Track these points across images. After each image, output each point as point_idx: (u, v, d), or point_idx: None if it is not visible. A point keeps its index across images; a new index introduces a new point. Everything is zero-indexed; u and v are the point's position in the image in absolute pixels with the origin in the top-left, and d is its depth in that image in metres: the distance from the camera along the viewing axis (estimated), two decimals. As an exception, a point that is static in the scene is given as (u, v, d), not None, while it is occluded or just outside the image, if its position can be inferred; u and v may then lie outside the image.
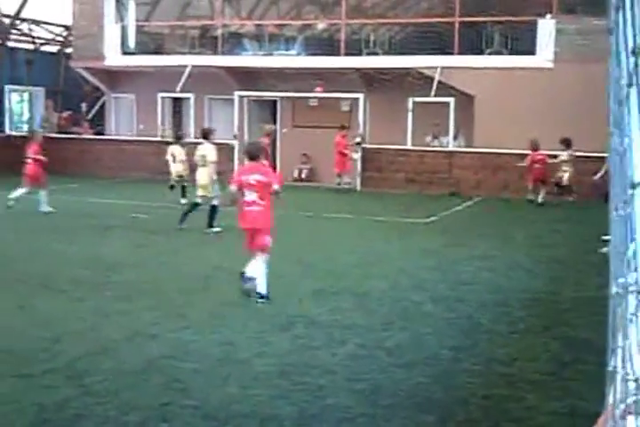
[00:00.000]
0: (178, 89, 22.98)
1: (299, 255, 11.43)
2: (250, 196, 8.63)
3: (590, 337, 7.46)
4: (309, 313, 8.18)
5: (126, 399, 5.71)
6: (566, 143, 17.61)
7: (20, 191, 15.45)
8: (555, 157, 17.92)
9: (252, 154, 8.90)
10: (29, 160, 15.55)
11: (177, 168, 16.91)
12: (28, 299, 8.63)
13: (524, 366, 6.63)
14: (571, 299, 9.20)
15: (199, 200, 13.69)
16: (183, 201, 17.22)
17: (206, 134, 13.96)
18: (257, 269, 8.67)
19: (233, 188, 8.79)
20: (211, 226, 13.40)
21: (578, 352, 7.05)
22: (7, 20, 26.43)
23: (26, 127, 27.18)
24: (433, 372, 6.43)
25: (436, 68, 20.89)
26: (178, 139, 17.57)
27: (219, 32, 24.57)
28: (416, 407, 5.67)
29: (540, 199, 18.11)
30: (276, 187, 8.64)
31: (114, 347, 6.95)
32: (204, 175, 13.54)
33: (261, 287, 8.61)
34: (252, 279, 8.68)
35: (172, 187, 17.09)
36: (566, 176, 17.92)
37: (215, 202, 13.42)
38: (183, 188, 16.98)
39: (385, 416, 5.50)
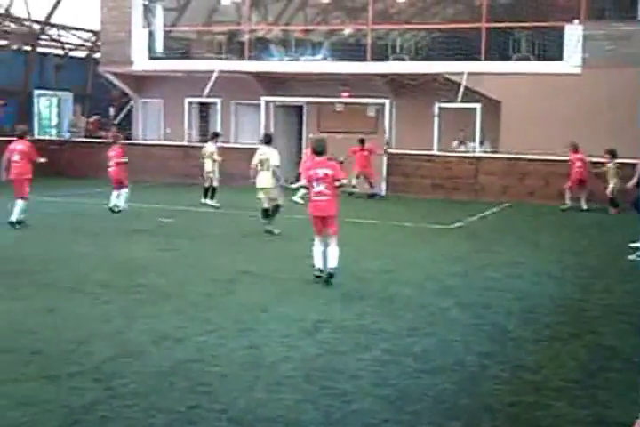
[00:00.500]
0: (205, 94, 23.10)
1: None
2: (318, 187, 9.80)
3: (617, 345, 7.42)
4: (335, 318, 8.19)
5: (153, 402, 5.75)
6: (612, 154, 17.52)
7: (117, 196, 16.40)
8: (599, 164, 17.90)
9: (319, 150, 10.02)
10: (112, 163, 16.38)
11: (207, 166, 17.58)
12: (56, 302, 8.71)
13: (551, 374, 6.59)
14: (598, 306, 9.12)
15: (265, 205, 13.96)
16: (208, 202, 17.41)
17: (269, 139, 14.24)
18: (334, 254, 9.80)
19: (303, 182, 10.12)
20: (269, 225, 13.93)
21: (605, 360, 7.00)
22: (37, 26, 26.74)
23: (54, 132, 27.51)
24: (459, 378, 6.41)
25: (462, 73, 20.84)
26: (215, 136, 18.09)
27: (246, 37, 24.69)
28: (442, 414, 5.65)
29: (584, 205, 18.11)
30: (344, 181, 10.02)
31: (140, 350, 6.99)
32: (266, 179, 13.82)
33: (334, 265, 9.76)
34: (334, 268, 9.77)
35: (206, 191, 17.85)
36: (611, 188, 17.74)
37: (280, 202, 14.05)
38: (211, 189, 17.26)
39: (410, 422, 5.49)
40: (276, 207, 14.04)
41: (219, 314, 8.28)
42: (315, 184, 9.85)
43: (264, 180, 13.87)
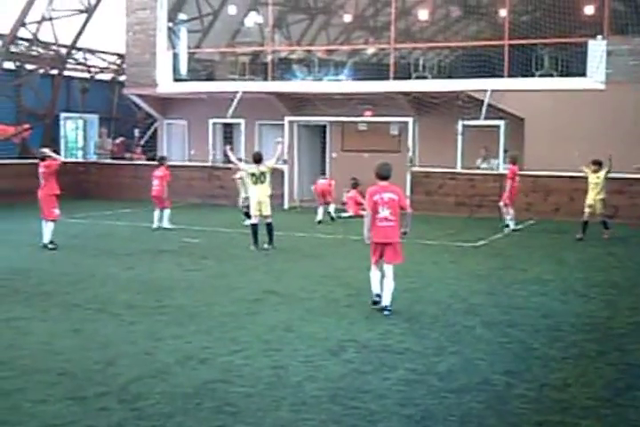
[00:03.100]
0: (229, 115, 23.28)
1: (348, 279, 11.44)
2: (383, 212, 9.36)
3: (646, 363, 7.34)
4: (360, 338, 8.18)
5: (179, 423, 5.77)
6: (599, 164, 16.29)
7: (159, 216, 17.38)
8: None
9: (383, 174, 9.58)
10: (157, 183, 17.45)
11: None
12: (83, 322, 8.79)
13: (578, 392, 6.53)
14: (625, 324, 9.04)
15: (255, 220, 14.41)
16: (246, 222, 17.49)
17: (259, 158, 14.89)
18: (390, 286, 9.39)
19: (367, 210, 9.58)
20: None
21: (633, 378, 6.94)
22: (64, 50, 27.13)
23: (80, 154, 27.80)
24: (485, 397, 6.38)
25: (485, 91, 20.84)
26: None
27: (269, 58, 24.89)
28: (468, 433, 5.62)
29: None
30: (409, 210, 9.71)
31: (166, 370, 7.03)
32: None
33: (388, 300, 9.37)
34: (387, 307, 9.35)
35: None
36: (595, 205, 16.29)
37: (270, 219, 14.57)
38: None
39: (437, 442, 5.47)
40: (270, 225, 14.46)
41: (244, 334, 8.30)
42: (380, 209, 9.39)
43: (260, 194, 14.44)
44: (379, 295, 9.56)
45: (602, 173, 16.10)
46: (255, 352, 7.61)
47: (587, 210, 16.17)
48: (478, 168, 21.45)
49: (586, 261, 13.53)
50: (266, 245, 14.37)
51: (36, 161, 23.47)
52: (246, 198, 16.41)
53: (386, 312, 9.26)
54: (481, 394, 6.44)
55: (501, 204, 17.79)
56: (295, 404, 6.15)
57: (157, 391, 6.44)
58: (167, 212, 17.44)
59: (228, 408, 6.05)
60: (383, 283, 9.44)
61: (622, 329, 8.79)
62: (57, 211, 14.54)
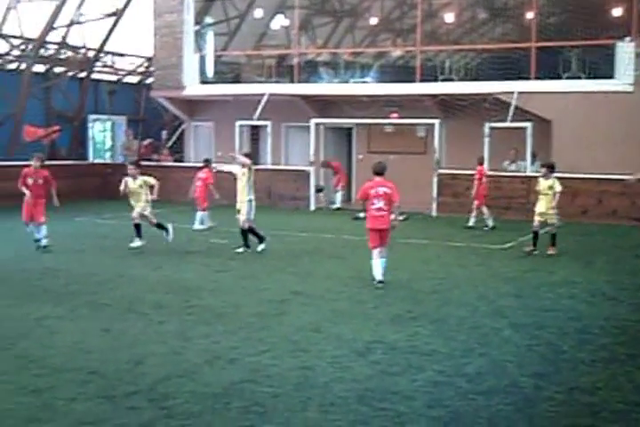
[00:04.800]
0: (255, 117, 23.36)
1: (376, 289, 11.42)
2: (378, 203, 10.96)
3: (677, 366, 7.27)
4: (387, 339, 8.18)
5: (208, 422, 5.81)
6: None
7: (200, 216, 17.85)
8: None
9: (379, 171, 11.18)
10: (200, 184, 17.91)
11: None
12: (111, 322, 8.86)
13: (608, 396, 6.49)
14: (656, 327, 8.97)
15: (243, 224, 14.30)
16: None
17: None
18: (380, 266, 10.95)
19: (360, 199, 11.23)
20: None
21: (664, 382, 6.88)
22: (92, 53, 27.38)
23: (108, 155, 28.05)
24: (514, 400, 6.35)
25: (512, 93, 20.75)
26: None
27: (295, 60, 24.94)
28: (497, 435, 5.60)
29: (471, 222, 18.17)
30: (396, 203, 11.06)
31: (195, 370, 7.07)
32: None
33: (380, 274, 10.95)
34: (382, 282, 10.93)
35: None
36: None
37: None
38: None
39: (465, 444, 5.46)
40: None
41: (271, 334, 8.34)
42: (375, 201, 10.94)
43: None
44: (381, 282, 10.92)
45: (552, 181, 14.19)
46: (282, 353, 7.63)
47: (537, 218, 14.40)
48: (505, 170, 21.33)
49: (614, 264, 13.42)
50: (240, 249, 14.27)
51: (63, 162, 23.82)
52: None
53: (379, 285, 10.87)
54: (509, 396, 6.42)
55: (475, 206, 18.21)
56: (323, 404, 6.16)
57: (186, 391, 6.48)
58: (201, 214, 17.74)
59: (256, 408, 6.08)
60: (379, 262, 10.97)
61: (652, 332, 8.72)
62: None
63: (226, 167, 15.75)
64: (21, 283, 11.21)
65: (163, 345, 7.91)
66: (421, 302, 10.06)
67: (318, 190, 22.50)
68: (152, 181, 14.77)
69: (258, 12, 29.01)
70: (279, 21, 29.53)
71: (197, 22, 25.92)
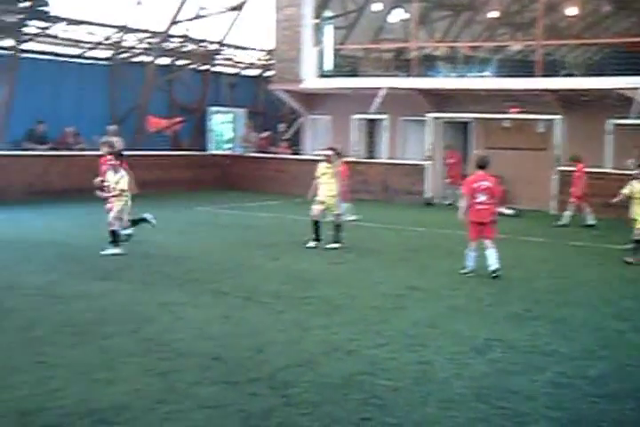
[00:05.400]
0: (372, 110, 23.39)
1: (491, 278, 11.31)
2: (481, 197, 11.16)
3: None
4: (506, 337, 8.09)
5: (327, 412, 5.90)
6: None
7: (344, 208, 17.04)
8: None
9: (482, 164, 11.49)
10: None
11: None
12: (232, 309, 9.10)
13: None
14: None
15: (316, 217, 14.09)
16: None
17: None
18: (494, 256, 11.15)
19: (464, 193, 11.41)
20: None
21: None
22: (213, 47, 28.02)
23: (226, 147, 28.69)
24: (638, 405, 6.19)
25: (637, 88, 20.05)
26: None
27: (413, 54, 24.81)
28: (621, 440, 5.49)
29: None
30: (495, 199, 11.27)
31: (313, 360, 7.19)
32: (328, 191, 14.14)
33: (496, 264, 11.14)
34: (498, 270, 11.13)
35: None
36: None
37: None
38: None
39: (588, 447, 5.37)
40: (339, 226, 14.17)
41: (389, 328, 8.38)
42: (478, 195, 11.16)
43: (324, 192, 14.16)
44: (472, 271, 11.28)
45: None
46: (400, 347, 7.67)
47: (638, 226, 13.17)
48: (629, 169, 20.64)
49: None
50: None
51: (185, 153, 24.50)
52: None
53: (494, 274, 11.06)
54: (635, 402, 6.25)
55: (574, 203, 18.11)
56: (442, 400, 6.17)
57: (306, 380, 6.60)
58: (345, 205, 16.74)
59: (374, 401, 6.14)
60: (487, 254, 11.14)
61: None
62: None
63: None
64: (146, 268, 11.61)
65: (282, 334, 8.07)
66: (540, 302, 9.89)
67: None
68: (125, 181, 12.78)
69: (376, 6, 29.06)
70: (397, 15, 29.50)
71: (316, 16, 26.13)
